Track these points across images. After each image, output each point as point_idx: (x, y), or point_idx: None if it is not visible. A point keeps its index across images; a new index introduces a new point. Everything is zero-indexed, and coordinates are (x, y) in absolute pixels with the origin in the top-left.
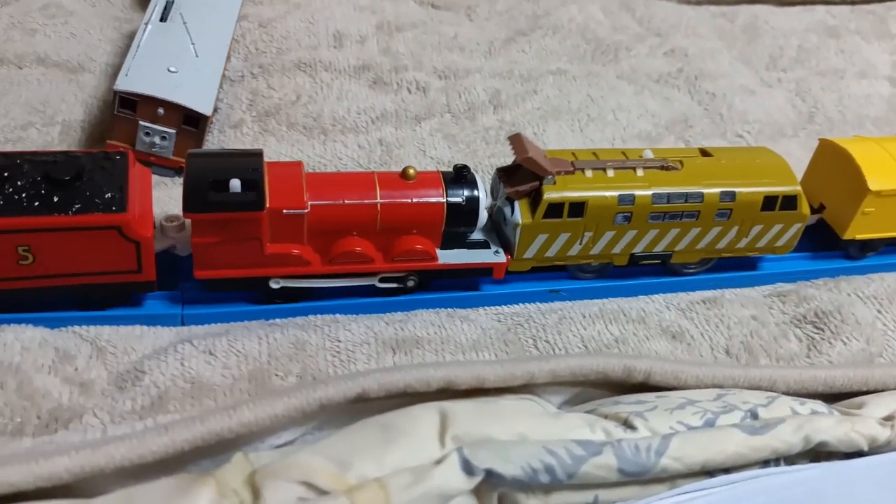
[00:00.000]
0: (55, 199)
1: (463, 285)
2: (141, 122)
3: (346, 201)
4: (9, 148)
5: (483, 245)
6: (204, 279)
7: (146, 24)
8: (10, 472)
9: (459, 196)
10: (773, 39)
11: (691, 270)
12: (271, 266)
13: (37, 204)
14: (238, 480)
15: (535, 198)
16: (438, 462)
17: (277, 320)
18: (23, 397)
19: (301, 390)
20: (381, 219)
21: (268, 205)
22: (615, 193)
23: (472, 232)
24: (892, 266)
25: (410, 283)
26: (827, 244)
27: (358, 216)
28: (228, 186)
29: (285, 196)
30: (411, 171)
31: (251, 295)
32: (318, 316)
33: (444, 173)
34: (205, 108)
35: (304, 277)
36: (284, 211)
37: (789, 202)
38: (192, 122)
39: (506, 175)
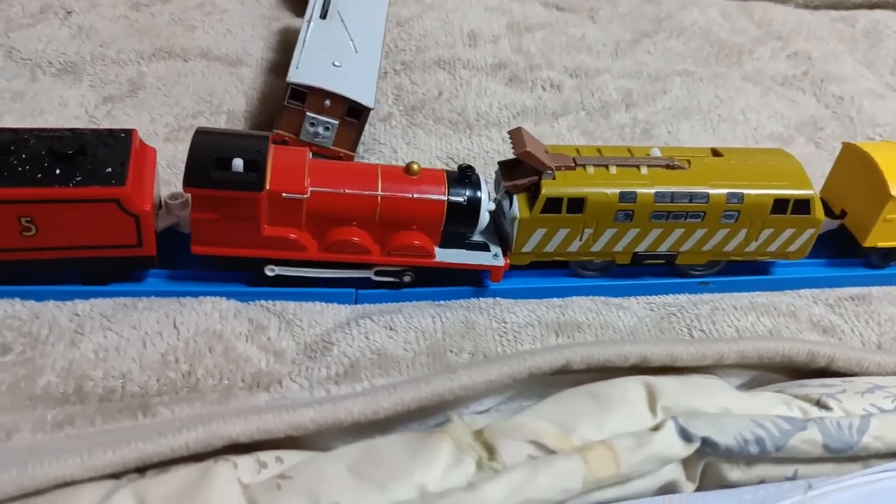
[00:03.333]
0: (57, 171)
1: (618, 273)
2: (308, 113)
3: (347, 190)
4: (181, 134)
5: (483, 247)
6: (200, 254)
7: (308, 20)
8: (266, 420)
9: (461, 196)
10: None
11: (699, 272)
12: (267, 248)
13: (39, 176)
14: (468, 438)
15: (533, 192)
16: (655, 429)
17: (442, 302)
18: (229, 361)
19: (512, 359)
20: (381, 211)
21: (268, 186)
22: (616, 190)
23: (472, 233)
24: None
25: (406, 279)
26: (849, 252)
27: (357, 206)
28: (231, 165)
29: (286, 180)
30: (415, 166)
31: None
32: (481, 299)
33: (448, 172)
34: (367, 100)
35: (299, 265)
36: (284, 194)
37: (802, 206)
38: (354, 114)
39: (506, 169)
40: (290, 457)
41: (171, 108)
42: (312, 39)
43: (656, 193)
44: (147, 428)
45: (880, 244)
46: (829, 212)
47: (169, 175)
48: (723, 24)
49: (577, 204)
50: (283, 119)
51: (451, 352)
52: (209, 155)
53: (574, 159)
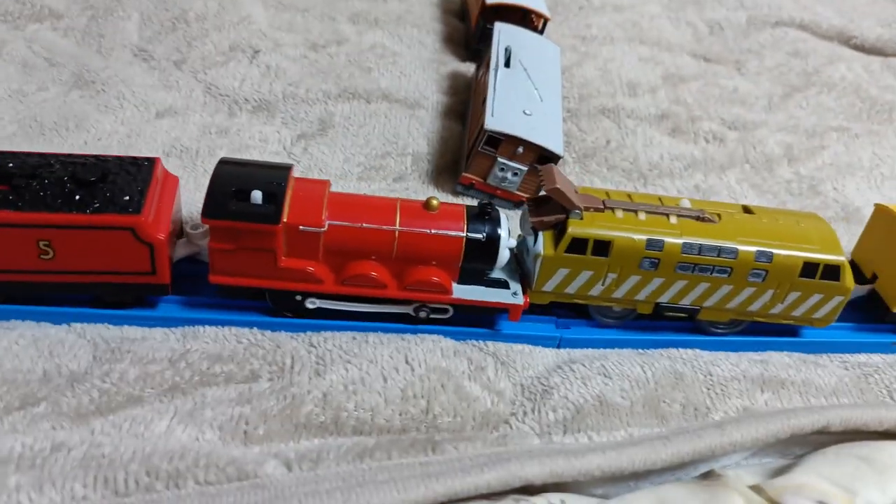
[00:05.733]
0: (77, 197)
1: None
2: (499, 159)
3: (365, 225)
4: (372, 174)
5: (502, 284)
6: (218, 284)
7: (495, 69)
8: (558, 465)
9: (480, 232)
10: None
11: (721, 330)
12: (284, 279)
13: (59, 201)
14: (750, 493)
15: (559, 231)
16: None
17: (642, 350)
18: (460, 398)
19: (774, 418)
20: (398, 246)
21: (285, 219)
22: (643, 237)
23: (491, 270)
24: None
25: (422, 315)
26: (879, 316)
27: (375, 241)
28: (250, 197)
29: (304, 213)
30: (434, 202)
31: (626, 323)
32: (682, 350)
33: (468, 208)
34: (557, 149)
35: (322, 296)
36: (301, 227)
37: (831, 272)
38: (543, 161)
39: (534, 206)
40: (573, 500)
41: (361, 148)
42: (501, 88)
43: (684, 244)
44: (445, 464)
45: None
46: (859, 275)
47: None
48: (869, 80)
49: (602, 247)
50: (474, 163)
51: (664, 402)
52: (229, 186)
53: (604, 202)
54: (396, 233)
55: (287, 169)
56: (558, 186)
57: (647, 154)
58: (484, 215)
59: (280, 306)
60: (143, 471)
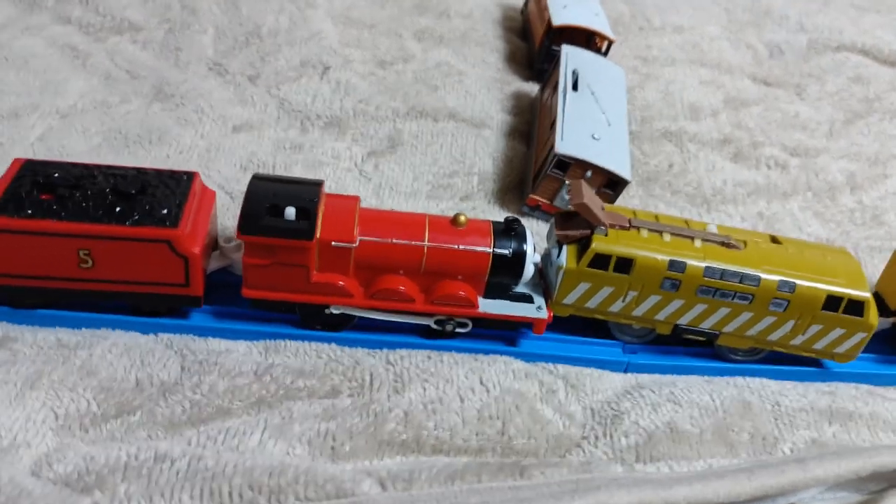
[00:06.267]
0: (117, 209)
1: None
2: (566, 182)
3: (395, 241)
4: (440, 192)
5: (527, 299)
6: (251, 299)
7: (563, 92)
8: (645, 493)
9: (507, 248)
10: None
11: (739, 358)
12: (316, 293)
13: (100, 213)
14: None
15: (584, 245)
16: None
17: (709, 377)
18: (534, 421)
19: (856, 455)
20: (427, 261)
21: (318, 235)
22: (666, 258)
23: (516, 284)
24: None
25: (449, 328)
26: None
27: (404, 256)
28: (283, 213)
29: (336, 229)
30: (462, 217)
31: (693, 350)
32: (749, 378)
33: (494, 224)
34: (626, 173)
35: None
36: (333, 243)
37: (855, 308)
38: (611, 186)
39: (561, 219)
40: None
41: (429, 167)
42: (570, 111)
43: (706, 268)
44: (535, 489)
45: None
46: (883, 307)
47: None
48: None
49: (624, 264)
50: (541, 185)
51: (733, 431)
52: (263, 202)
53: (630, 221)
54: (425, 248)
55: (318, 185)
56: (585, 202)
57: (711, 179)
58: (510, 231)
59: (310, 320)
60: (247, 485)
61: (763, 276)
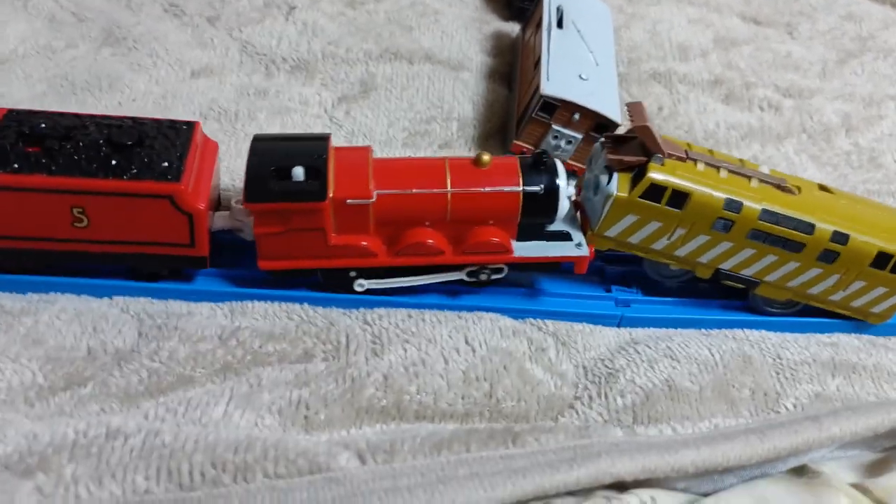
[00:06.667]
0: (113, 162)
1: None
2: (553, 126)
3: (415, 190)
4: (417, 139)
5: (564, 237)
6: (269, 269)
7: (547, 30)
8: (651, 461)
9: (537, 185)
10: None
11: (774, 310)
12: (337, 257)
13: (94, 166)
14: (855, 493)
15: (637, 173)
16: None
17: (706, 330)
18: (524, 382)
19: (874, 411)
20: (452, 209)
21: (331, 194)
22: (723, 196)
23: (551, 222)
24: None
25: (483, 277)
26: None
27: (427, 206)
28: (291, 174)
29: (350, 185)
30: (485, 157)
31: (689, 300)
32: (748, 331)
33: (521, 159)
34: (615, 116)
35: (381, 276)
36: (348, 201)
37: None
38: (600, 129)
39: (612, 143)
40: (663, 497)
41: (405, 113)
42: (555, 50)
43: (763, 210)
44: (529, 458)
45: None
46: None
47: None
48: None
49: (679, 198)
50: (526, 130)
51: (734, 387)
52: (268, 166)
53: (686, 152)
54: (449, 195)
55: (325, 139)
56: (649, 125)
57: (703, 122)
58: (539, 165)
59: (334, 285)
60: (209, 462)
61: (818, 224)
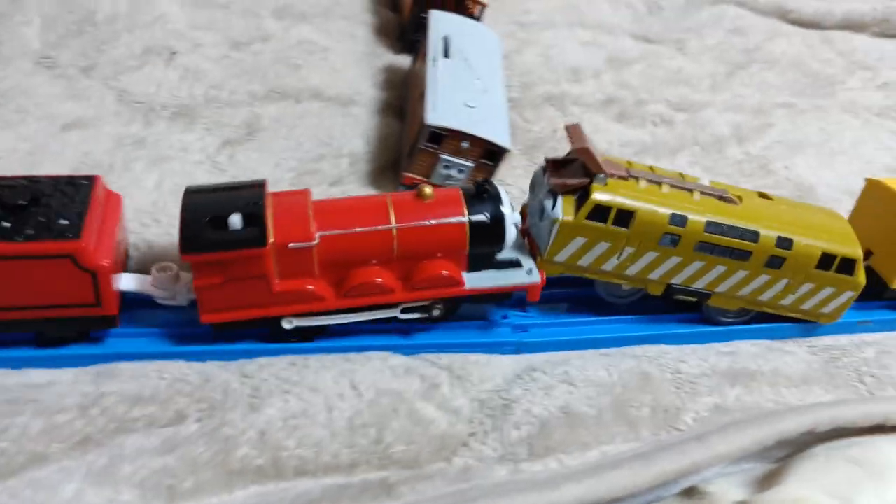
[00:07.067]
0: (7, 225)
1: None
2: (442, 156)
3: (359, 229)
4: (306, 178)
5: (514, 264)
6: (213, 323)
7: (434, 60)
8: (527, 500)
9: (483, 213)
10: None
11: (728, 320)
12: (282, 304)
13: None
14: None
15: (581, 196)
16: None
17: (604, 350)
18: (414, 423)
19: (758, 424)
20: (399, 245)
21: (271, 239)
22: (668, 211)
23: (500, 251)
24: None
25: (436, 313)
26: (876, 294)
27: (372, 244)
28: (228, 223)
29: (291, 228)
30: (427, 189)
31: (587, 319)
32: (646, 346)
33: (464, 190)
34: (505, 142)
35: (318, 314)
36: (290, 245)
37: (847, 266)
38: (490, 157)
39: (553, 167)
40: None
41: (293, 152)
42: (442, 79)
43: (708, 222)
44: None
45: None
46: None
47: None
48: (809, 54)
49: (625, 217)
50: (415, 161)
51: (633, 407)
52: (203, 215)
53: (627, 170)
54: (394, 231)
55: (261, 185)
56: (588, 147)
57: (596, 141)
58: (482, 194)
59: (282, 334)
60: None
61: (762, 231)
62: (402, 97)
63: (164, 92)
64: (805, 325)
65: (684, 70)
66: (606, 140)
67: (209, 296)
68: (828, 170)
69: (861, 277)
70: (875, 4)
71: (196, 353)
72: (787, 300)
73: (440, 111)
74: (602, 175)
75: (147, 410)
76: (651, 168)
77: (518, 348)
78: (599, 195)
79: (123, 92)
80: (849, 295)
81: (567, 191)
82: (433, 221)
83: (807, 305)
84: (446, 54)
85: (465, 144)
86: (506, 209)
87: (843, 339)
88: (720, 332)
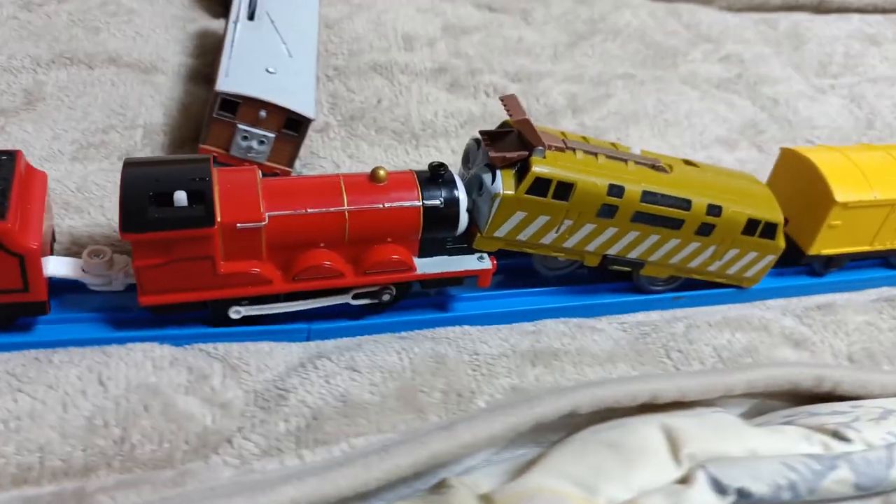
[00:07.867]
0: None
1: (589, 291)
2: (240, 126)
3: (310, 210)
4: (91, 152)
5: (466, 250)
6: (152, 304)
7: (235, 22)
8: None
9: (437, 198)
10: (818, 46)
11: (659, 288)
12: (228, 286)
13: None
14: None
15: (521, 169)
16: (683, 482)
17: (405, 333)
18: (168, 420)
19: (515, 409)
20: (350, 228)
21: (219, 219)
22: (605, 182)
23: (453, 236)
24: (861, 283)
25: (386, 298)
26: (793, 260)
27: (324, 226)
28: (172, 200)
29: (239, 208)
30: (381, 172)
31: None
32: (448, 328)
33: (418, 173)
34: (308, 111)
35: (266, 301)
36: (238, 225)
37: (770, 231)
38: (293, 126)
39: (490, 140)
40: None
41: (77, 123)
42: (241, 43)
43: (644, 192)
44: None
45: (825, 251)
46: None
47: (80, 201)
48: (654, 26)
49: (564, 190)
50: (210, 133)
51: (423, 392)
52: (145, 191)
53: (564, 141)
54: (346, 213)
55: (206, 161)
56: (528, 118)
57: (421, 112)
58: (437, 178)
59: (223, 317)
60: None
61: (694, 199)
62: (213, 64)
63: None
64: (619, 301)
65: (525, 40)
66: (432, 111)
67: (150, 277)
68: (659, 140)
69: (781, 241)
70: None
71: None
72: (714, 266)
73: (233, 77)
74: (541, 147)
75: None
76: (585, 138)
77: (309, 335)
78: (540, 168)
79: None
80: (769, 258)
81: (506, 164)
82: (387, 205)
83: (732, 270)
84: (251, 17)
85: (262, 114)
86: (460, 194)
87: (655, 315)
88: (527, 312)
